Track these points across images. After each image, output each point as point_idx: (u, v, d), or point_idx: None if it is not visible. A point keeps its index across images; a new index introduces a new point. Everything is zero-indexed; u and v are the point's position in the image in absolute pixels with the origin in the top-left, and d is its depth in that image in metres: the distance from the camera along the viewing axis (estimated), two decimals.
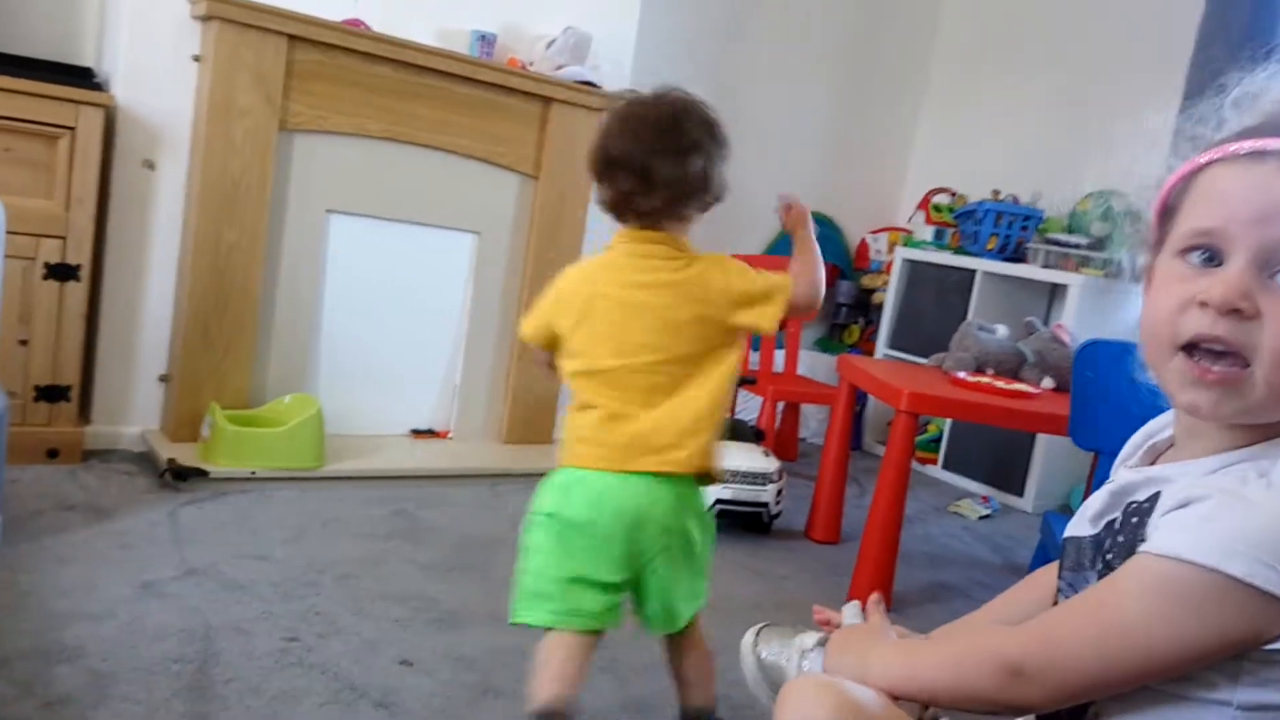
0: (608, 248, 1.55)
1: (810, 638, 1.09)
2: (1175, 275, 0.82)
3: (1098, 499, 0.91)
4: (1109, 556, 0.85)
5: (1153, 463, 0.91)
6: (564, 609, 1.42)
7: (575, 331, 1.48)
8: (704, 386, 1.44)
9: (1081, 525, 0.91)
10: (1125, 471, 0.91)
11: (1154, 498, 0.82)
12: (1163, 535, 0.78)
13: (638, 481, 1.40)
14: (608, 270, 1.51)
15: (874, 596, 1.07)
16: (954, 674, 0.87)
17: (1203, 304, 0.78)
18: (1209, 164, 0.81)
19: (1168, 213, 0.86)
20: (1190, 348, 0.80)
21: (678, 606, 1.48)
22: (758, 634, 1.09)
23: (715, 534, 1.52)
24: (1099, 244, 3.72)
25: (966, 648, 0.88)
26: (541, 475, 3.22)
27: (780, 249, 4.42)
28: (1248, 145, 0.79)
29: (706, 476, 1.47)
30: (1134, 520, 0.84)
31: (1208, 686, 0.78)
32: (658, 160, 1.48)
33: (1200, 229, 0.80)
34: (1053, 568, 1.01)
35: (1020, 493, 3.73)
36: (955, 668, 0.87)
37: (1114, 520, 0.87)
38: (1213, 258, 0.80)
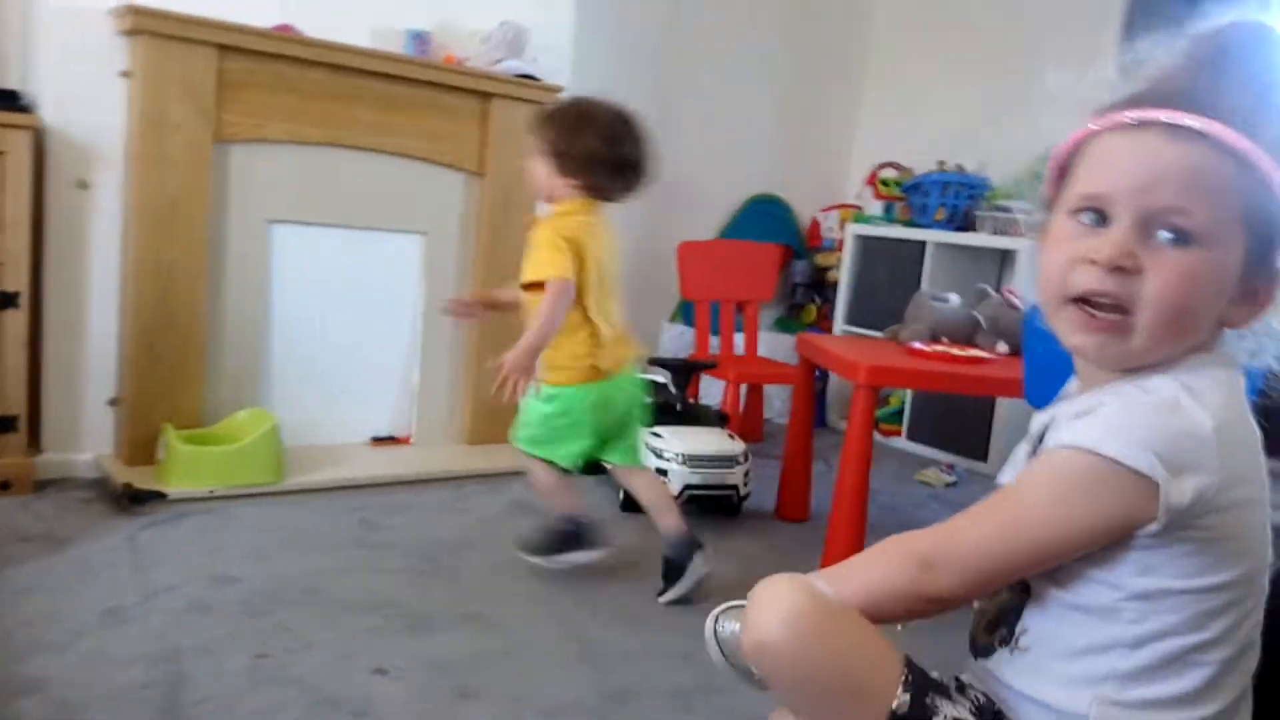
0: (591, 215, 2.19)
1: None
2: (1067, 234, 0.91)
3: (1021, 447, 1.01)
4: None
5: None
6: None
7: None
8: None
9: (1014, 472, 1.00)
10: (1037, 416, 1.00)
11: (1054, 423, 0.94)
12: (1058, 436, 0.88)
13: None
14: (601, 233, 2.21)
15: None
16: (872, 573, 0.95)
17: (1092, 261, 0.87)
18: (1100, 131, 0.90)
19: (1063, 174, 0.95)
20: (1080, 299, 0.89)
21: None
22: (718, 615, 1.11)
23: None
24: None
25: (882, 547, 0.97)
26: (506, 475, 3.22)
27: (732, 233, 4.42)
28: (1133, 115, 0.87)
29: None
30: (1039, 446, 0.94)
31: (1105, 586, 0.87)
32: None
33: (1090, 193, 0.89)
34: None
35: (984, 458, 3.76)
36: (874, 568, 0.95)
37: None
38: (1101, 218, 0.88)
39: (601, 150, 2.15)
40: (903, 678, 0.89)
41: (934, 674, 0.95)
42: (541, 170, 2.18)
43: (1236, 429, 0.86)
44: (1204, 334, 0.89)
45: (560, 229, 2.14)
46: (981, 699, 0.95)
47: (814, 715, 0.93)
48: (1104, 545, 0.85)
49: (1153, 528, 0.83)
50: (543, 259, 2.11)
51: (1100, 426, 0.84)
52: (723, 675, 1.11)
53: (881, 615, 0.95)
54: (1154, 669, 0.86)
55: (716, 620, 1.11)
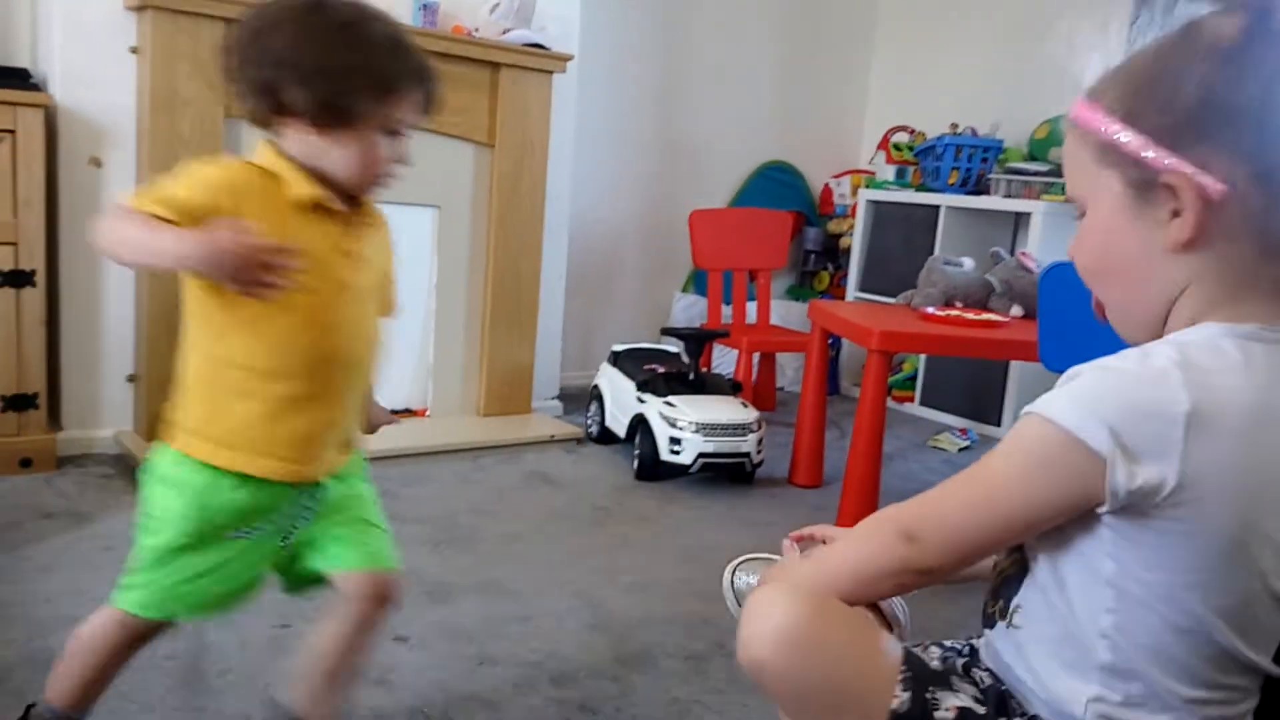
0: None
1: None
2: None
3: None
4: None
5: None
6: None
7: None
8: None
9: None
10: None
11: None
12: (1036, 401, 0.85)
13: None
14: None
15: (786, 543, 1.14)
16: (860, 552, 0.93)
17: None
18: None
19: None
20: None
21: None
22: (735, 568, 1.12)
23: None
24: (1059, 170, 3.73)
25: (866, 523, 0.95)
26: (521, 446, 3.19)
27: (743, 201, 4.40)
28: (1069, 115, 0.90)
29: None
30: None
31: (1085, 570, 0.84)
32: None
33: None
34: None
35: (998, 422, 3.76)
36: (861, 546, 0.93)
37: None
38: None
39: None
40: (901, 676, 0.88)
41: (934, 663, 0.93)
42: None
43: (1232, 416, 0.77)
44: (1169, 281, 0.84)
45: None
46: (987, 680, 0.93)
47: None
48: (1072, 520, 0.82)
49: (1103, 508, 0.79)
50: None
51: (1069, 394, 0.81)
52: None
53: (874, 594, 0.94)
54: (1140, 668, 0.82)
55: (734, 573, 1.12)
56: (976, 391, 3.85)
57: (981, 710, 0.89)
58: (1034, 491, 0.82)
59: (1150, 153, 0.82)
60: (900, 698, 0.87)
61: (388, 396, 3.17)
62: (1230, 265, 0.83)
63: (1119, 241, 0.86)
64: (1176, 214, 0.82)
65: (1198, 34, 0.82)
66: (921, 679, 0.89)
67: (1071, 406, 0.80)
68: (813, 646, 0.87)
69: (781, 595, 0.90)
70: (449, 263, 3.20)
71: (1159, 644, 0.81)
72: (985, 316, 2.74)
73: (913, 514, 0.90)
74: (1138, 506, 0.78)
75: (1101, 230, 0.87)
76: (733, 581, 1.12)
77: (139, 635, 1.27)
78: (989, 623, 0.95)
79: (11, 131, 2.39)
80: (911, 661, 0.90)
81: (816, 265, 4.64)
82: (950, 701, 0.88)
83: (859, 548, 0.93)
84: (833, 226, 4.60)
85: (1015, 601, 0.91)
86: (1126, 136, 0.83)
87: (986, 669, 0.95)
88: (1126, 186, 0.84)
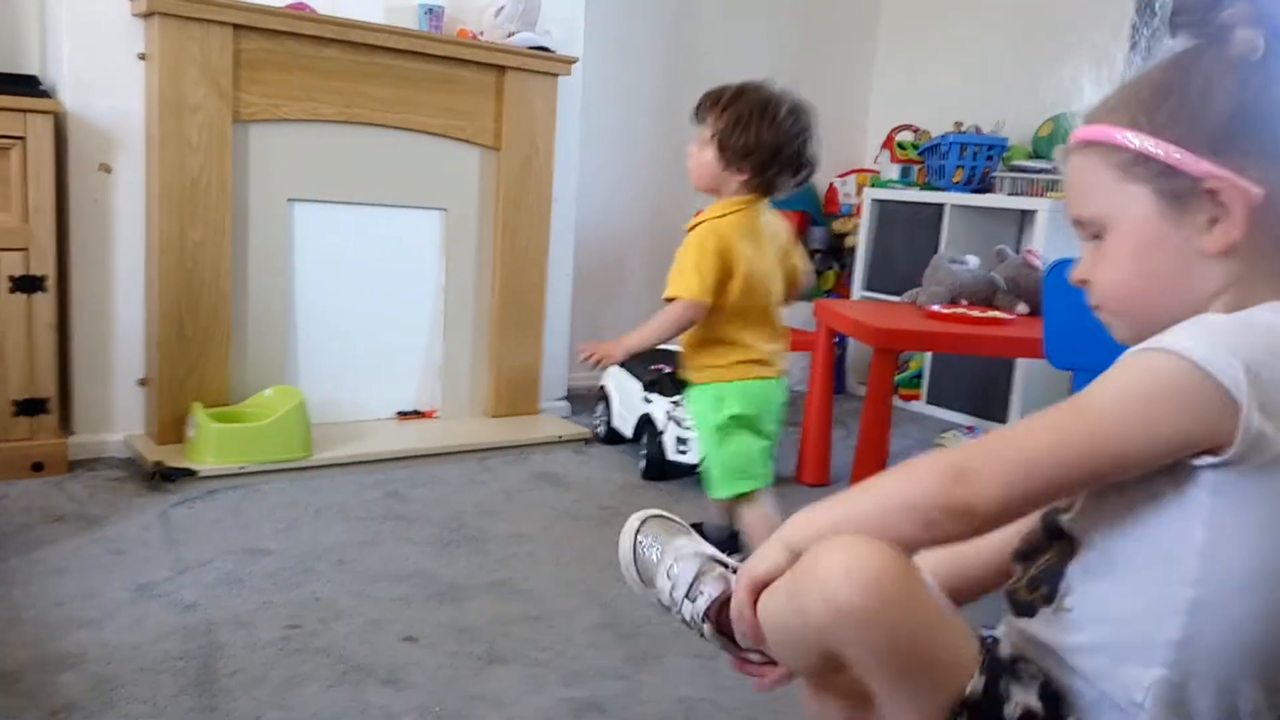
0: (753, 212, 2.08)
1: (688, 547, 1.11)
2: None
3: None
4: None
5: None
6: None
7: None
8: None
9: None
10: None
11: None
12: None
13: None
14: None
15: None
16: (892, 485, 0.88)
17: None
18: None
19: None
20: None
21: None
22: (643, 521, 1.10)
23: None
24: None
25: (908, 462, 0.88)
26: (529, 446, 3.22)
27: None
28: (1076, 138, 0.94)
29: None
30: None
31: (1164, 538, 0.82)
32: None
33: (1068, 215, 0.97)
34: None
35: (1004, 420, 3.75)
36: (895, 480, 0.88)
37: None
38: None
39: (778, 143, 2.03)
40: (979, 659, 0.85)
41: (1004, 653, 0.90)
42: (709, 160, 2.07)
43: None
44: (1202, 287, 0.86)
45: (715, 233, 2.01)
46: (1041, 677, 0.89)
47: (888, 684, 0.86)
48: (1165, 487, 0.80)
49: (1228, 453, 0.76)
50: (684, 270, 2.01)
51: (1186, 332, 0.80)
52: (622, 571, 1.14)
53: (892, 534, 0.85)
54: (1214, 646, 0.81)
55: (641, 525, 1.09)
56: (982, 389, 3.85)
57: (1041, 710, 0.86)
58: (1151, 426, 0.78)
59: (1189, 162, 0.84)
60: (975, 682, 0.84)
61: (396, 398, 3.19)
62: (1269, 261, 0.85)
63: (1155, 254, 0.87)
64: (1214, 220, 0.84)
65: (1222, 48, 0.84)
66: (996, 667, 0.86)
67: (1201, 343, 0.78)
68: (906, 602, 0.83)
69: (871, 544, 0.83)
70: (456, 265, 3.21)
71: (1241, 618, 0.80)
72: (991, 314, 2.75)
73: (966, 453, 0.85)
74: (1251, 457, 0.77)
75: (1135, 244, 0.88)
76: (636, 540, 1.09)
77: None
78: (1026, 610, 0.92)
79: (21, 138, 2.41)
80: (985, 646, 0.87)
81: (822, 265, 4.64)
82: (1019, 698, 0.85)
83: (894, 483, 0.87)
84: (838, 226, 4.60)
85: (1064, 586, 0.88)
86: (1160, 148, 0.85)
87: (1036, 667, 0.91)
88: (1160, 198, 0.86)
